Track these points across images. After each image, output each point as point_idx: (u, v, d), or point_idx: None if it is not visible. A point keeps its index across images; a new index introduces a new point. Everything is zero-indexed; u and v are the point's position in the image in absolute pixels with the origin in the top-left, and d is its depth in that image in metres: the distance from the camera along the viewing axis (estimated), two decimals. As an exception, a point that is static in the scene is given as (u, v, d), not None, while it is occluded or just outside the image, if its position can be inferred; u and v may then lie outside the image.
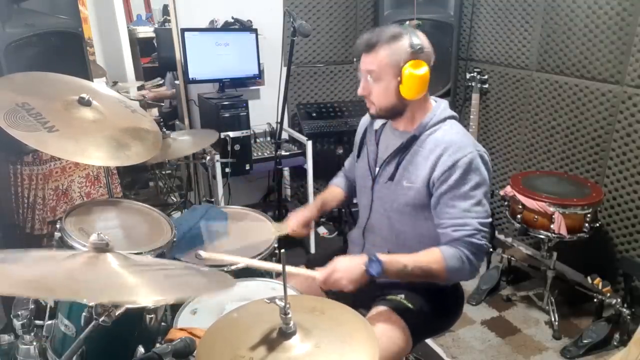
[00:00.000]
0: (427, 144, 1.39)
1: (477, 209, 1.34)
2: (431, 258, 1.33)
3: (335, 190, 1.79)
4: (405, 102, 1.38)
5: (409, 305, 1.43)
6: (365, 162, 1.56)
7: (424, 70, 1.33)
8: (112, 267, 0.89)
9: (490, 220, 1.37)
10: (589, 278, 2.38)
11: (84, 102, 1.46)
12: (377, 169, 1.51)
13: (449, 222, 1.35)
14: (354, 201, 1.73)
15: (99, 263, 0.89)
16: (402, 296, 1.45)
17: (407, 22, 3.01)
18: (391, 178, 1.45)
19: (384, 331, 1.35)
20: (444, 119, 1.42)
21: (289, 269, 1.51)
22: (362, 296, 1.48)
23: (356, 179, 1.64)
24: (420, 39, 1.35)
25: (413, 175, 1.40)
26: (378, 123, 1.55)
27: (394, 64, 1.34)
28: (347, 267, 1.27)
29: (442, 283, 1.41)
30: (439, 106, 1.45)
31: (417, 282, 1.38)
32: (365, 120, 1.64)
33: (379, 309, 1.43)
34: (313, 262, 1.68)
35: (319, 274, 1.29)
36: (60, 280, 0.81)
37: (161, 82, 3.99)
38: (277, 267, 1.38)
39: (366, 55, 1.38)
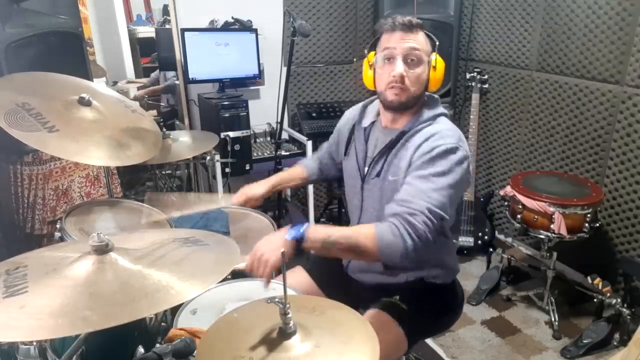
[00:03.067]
0: (415, 138, 1.36)
1: (433, 195, 1.22)
2: (362, 231, 1.23)
3: (298, 171, 1.77)
4: (424, 92, 1.39)
5: (404, 306, 1.41)
6: (354, 162, 1.51)
7: (443, 63, 1.36)
8: (128, 267, 0.88)
9: (443, 217, 1.23)
10: (589, 278, 2.38)
11: (84, 102, 1.46)
12: (366, 168, 1.47)
13: (398, 197, 1.26)
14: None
15: (110, 266, 0.87)
16: (397, 297, 1.44)
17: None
18: (378, 174, 1.42)
19: (377, 334, 1.34)
20: (435, 116, 1.39)
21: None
22: (358, 300, 1.46)
23: (345, 179, 1.59)
24: None
25: (397, 169, 1.37)
26: (367, 121, 1.50)
27: (428, 50, 1.35)
28: (267, 241, 1.21)
29: (377, 260, 1.28)
30: (431, 103, 1.43)
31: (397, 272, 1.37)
32: (350, 114, 1.60)
33: (372, 311, 1.42)
34: (313, 263, 1.68)
35: (245, 262, 1.22)
36: (96, 306, 0.77)
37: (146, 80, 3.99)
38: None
39: (407, 33, 1.32)
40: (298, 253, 1.20)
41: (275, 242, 1.19)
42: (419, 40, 1.33)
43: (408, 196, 1.24)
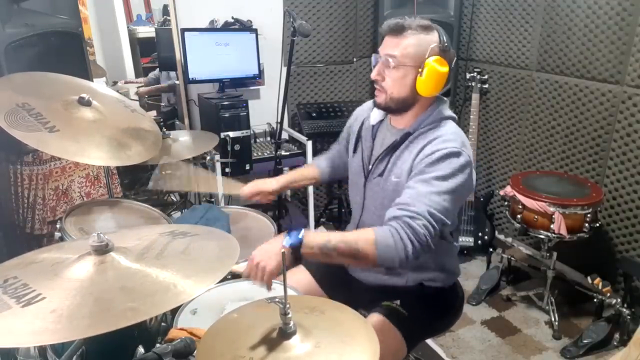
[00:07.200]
0: (419, 140, 1.34)
1: (434, 198, 1.20)
2: (360, 235, 1.20)
3: (310, 170, 1.76)
4: (417, 97, 1.34)
5: (404, 311, 1.41)
6: (360, 159, 1.51)
7: (445, 69, 1.29)
8: (130, 267, 0.88)
9: (444, 222, 1.22)
10: (589, 278, 2.38)
11: (84, 102, 1.46)
12: (371, 166, 1.46)
13: (398, 200, 1.24)
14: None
15: (111, 267, 0.87)
16: (398, 302, 1.43)
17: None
18: (381, 174, 1.41)
19: None
20: (441, 119, 1.37)
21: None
22: (359, 300, 1.47)
23: (349, 175, 1.58)
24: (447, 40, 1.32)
25: (400, 170, 1.36)
26: (375, 119, 1.49)
27: (418, 54, 1.29)
28: (264, 249, 1.17)
29: (374, 265, 1.22)
30: (439, 105, 1.40)
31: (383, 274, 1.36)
32: (360, 111, 1.59)
33: (372, 316, 1.42)
34: (312, 262, 1.68)
35: (243, 269, 1.19)
36: (104, 309, 0.78)
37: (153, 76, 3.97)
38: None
39: (392, 38, 1.32)
40: (296, 259, 1.16)
41: (272, 249, 1.16)
42: (404, 44, 1.29)
43: (409, 199, 1.21)
